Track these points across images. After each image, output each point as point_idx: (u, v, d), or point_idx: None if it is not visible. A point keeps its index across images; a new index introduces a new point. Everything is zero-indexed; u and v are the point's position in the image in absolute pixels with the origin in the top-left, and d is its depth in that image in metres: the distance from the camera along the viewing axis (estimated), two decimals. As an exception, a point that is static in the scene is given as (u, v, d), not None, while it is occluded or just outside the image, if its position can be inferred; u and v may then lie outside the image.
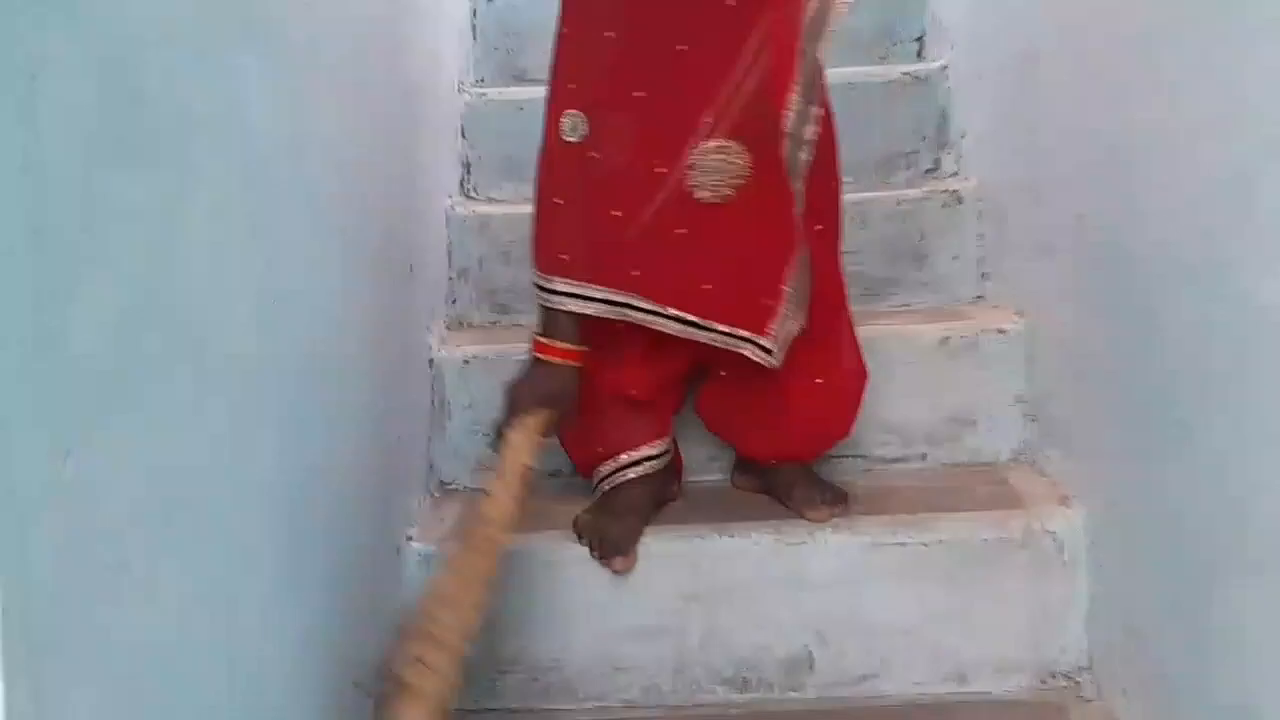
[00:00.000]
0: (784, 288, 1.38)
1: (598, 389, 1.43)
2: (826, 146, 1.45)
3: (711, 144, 1.34)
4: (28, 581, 0.58)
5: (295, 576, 1.01)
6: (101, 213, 0.67)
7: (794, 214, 1.38)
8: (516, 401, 1.34)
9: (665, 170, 1.34)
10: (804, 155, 1.38)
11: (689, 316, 1.38)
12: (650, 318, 1.37)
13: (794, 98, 1.35)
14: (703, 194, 1.35)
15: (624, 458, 1.48)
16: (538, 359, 1.37)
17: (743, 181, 1.34)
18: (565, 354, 1.36)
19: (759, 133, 1.35)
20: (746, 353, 1.39)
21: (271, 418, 0.95)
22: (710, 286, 1.37)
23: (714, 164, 1.34)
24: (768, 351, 1.39)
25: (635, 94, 1.33)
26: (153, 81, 0.76)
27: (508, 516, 1.25)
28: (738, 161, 1.34)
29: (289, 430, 1.00)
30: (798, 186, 1.38)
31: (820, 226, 1.46)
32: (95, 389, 0.66)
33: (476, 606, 1.18)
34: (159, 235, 0.76)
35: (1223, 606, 1.09)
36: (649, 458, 1.48)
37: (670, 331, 1.38)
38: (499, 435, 1.33)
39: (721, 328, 1.38)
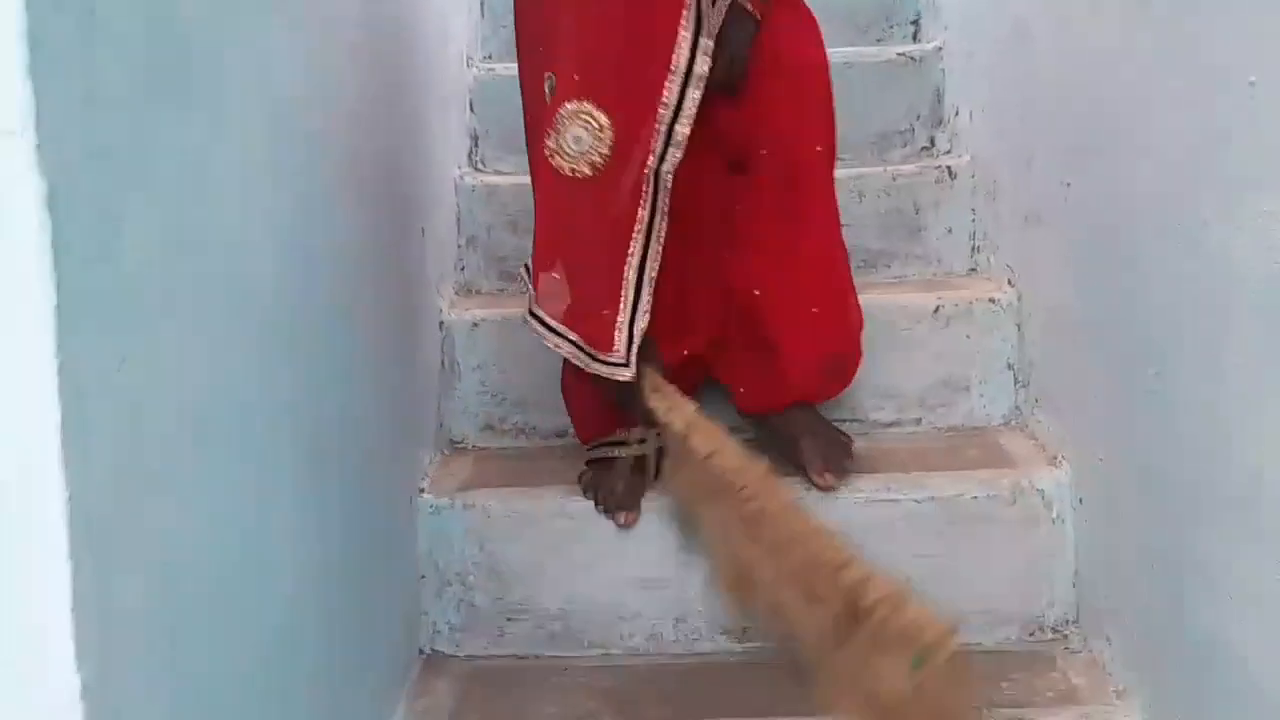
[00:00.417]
0: (621, 290, 1.26)
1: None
2: (822, 82, 1.43)
3: (571, 105, 1.18)
4: (89, 475, 0.62)
5: (314, 512, 1.05)
6: (147, 143, 0.72)
7: (641, 196, 1.23)
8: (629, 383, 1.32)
9: (546, 130, 1.21)
10: (694, 93, 1.23)
11: (552, 322, 1.28)
12: (532, 320, 1.29)
13: (684, 33, 1.21)
14: (558, 162, 1.20)
15: (630, 433, 1.45)
16: None
17: (603, 161, 1.19)
18: None
19: (633, 95, 1.20)
20: (600, 371, 1.30)
21: (291, 359, 1.00)
22: (560, 278, 1.25)
23: (572, 130, 1.19)
24: (619, 365, 1.29)
25: (537, 48, 1.26)
26: (192, 28, 0.80)
27: (738, 447, 1.26)
28: (601, 136, 1.18)
29: (306, 372, 1.04)
30: (683, 130, 1.23)
31: (820, 147, 1.40)
32: (143, 305, 0.71)
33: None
34: (194, 172, 0.80)
35: (1199, 549, 1.14)
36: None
37: (535, 333, 1.27)
38: (649, 413, 1.32)
39: (572, 336, 1.28)
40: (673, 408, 1.28)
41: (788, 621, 1.18)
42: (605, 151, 1.19)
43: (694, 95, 1.23)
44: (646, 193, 1.23)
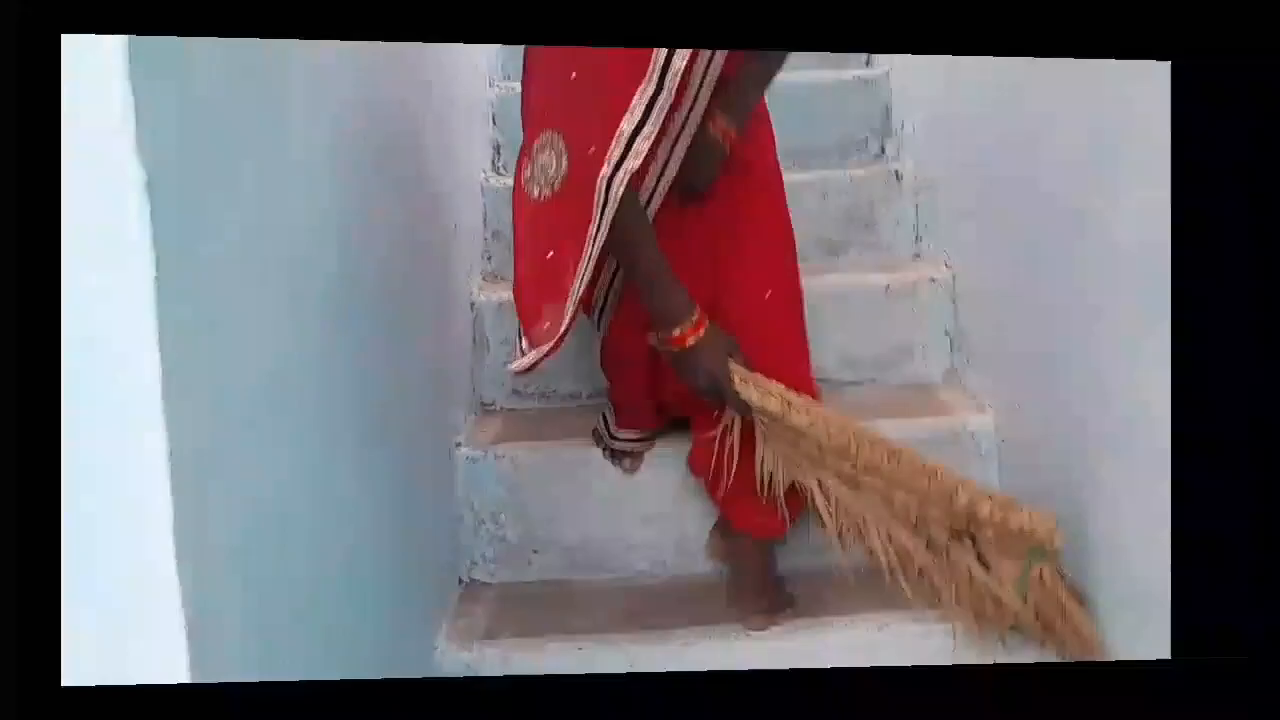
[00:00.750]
0: (568, 302, 1.10)
1: (642, 380, 1.37)
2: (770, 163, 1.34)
3: (544, 135, 1.07)
4: (189, 424, 0.61)
5: (370, 463, 1.04)
6: (228, 141, 0.70)
7: (591, 209, 1.04)
8: (715, 377, 1.16)
9: (521, 160, 1.12)
10: (659, 110, 1.03)
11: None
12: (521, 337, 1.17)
13: (656, 59, 1.02)
14: (531, 190, 1.10)
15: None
16: (684, 349, 1.15)
17: (561, 181, 1.06)
18: (694, 329, 1.15)
19: (597, 114, 1.02)
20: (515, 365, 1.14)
21: (349, 333, 0.98)
22: (529, 298, 1.15)
23: (542, 160, 1.08)
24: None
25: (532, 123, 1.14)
26: (265, 41, 0.78)
27: (834, 414, 1.21)
28: (558, 160, 1.06)
29: (362, 345, 1.02)
30: (643, 144, 1.03)
31: (770, 293, 1.27)
32: (225, 281, 0.69)
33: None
34: (266, 168, 0.78)
35: (1095, 472, 1.16)
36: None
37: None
38: (742, 403, 1.17)
39: (523, 344, 1.15)
40: (764, 394, 1.18)
41: (901, 549, 1.21)
42: (564, 171, 1.05)
43: (660, 108, 1.03)
44: (598, 202, 1.03)
